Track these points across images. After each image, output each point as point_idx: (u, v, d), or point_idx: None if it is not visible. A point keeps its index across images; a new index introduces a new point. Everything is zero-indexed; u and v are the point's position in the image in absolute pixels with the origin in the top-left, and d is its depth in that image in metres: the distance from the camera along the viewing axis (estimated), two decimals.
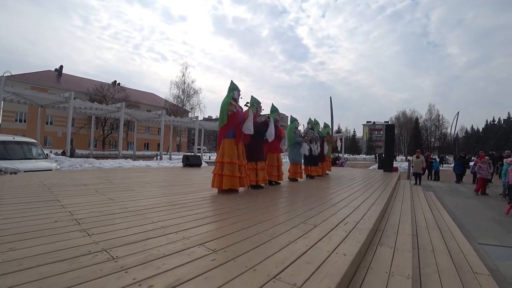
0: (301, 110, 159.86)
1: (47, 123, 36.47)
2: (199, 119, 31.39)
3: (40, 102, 18.88)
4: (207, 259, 1.74)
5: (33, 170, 7.25)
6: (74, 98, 17.20)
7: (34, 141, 9.30)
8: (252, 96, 5.68)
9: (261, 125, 5.45)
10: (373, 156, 50.02)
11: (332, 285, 1.52)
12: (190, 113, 45.14)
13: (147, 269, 1.55)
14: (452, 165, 16.09)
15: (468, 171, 14.41)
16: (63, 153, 17.95)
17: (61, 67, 43.24)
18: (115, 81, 46.58)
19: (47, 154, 10.02)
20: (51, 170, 7.91)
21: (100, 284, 1.37)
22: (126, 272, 1.51)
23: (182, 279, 1.45)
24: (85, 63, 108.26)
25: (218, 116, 4.87)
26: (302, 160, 7.59)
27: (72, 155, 18.88)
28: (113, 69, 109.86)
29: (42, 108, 19.78)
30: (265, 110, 6.15)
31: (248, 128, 4.77)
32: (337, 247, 2.14)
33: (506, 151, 11.51)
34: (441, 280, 2.46)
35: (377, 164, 22.51)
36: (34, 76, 37.19)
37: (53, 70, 43.07)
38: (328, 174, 9.58)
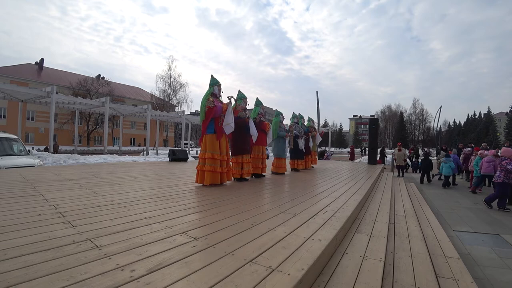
0: (287, 104, 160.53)
1: (28, 119, 35.26)
2: (186, 113, 31.07)
3: (20, 96, 18.22)
4: (188, 245, 1.83)
5: (15, 167, 7.10)
6: (57, 93, 16.73)
7: (15, 136, 9.05)
8: (239, 90, 5.72)
9: (242, 122, 5.38)
10: (359, 149, 50.71)
11: (305, 267, 1.63)
12: (176, 108, 44.60)
13: (130, 256, 1.63)
14: (435, 157, 16.72)
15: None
16: (46, 149, 17.50)
17: (42, 60, 41.65)
18: (99, 75, 45.48)
19: (29, 150, 9.79)
20: (34, 166, 7.76)
21: (84, 270, 1.44)
22: (110, 258, 1.58)
23: (163, 264, 1.54)
24: (64, 56, 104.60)
25: None
26: (288, 154, 7.70)
27: (55, 151, 18.44)
28: (94, 62, 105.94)
29: (22, 103, 19.14)
30: (250, 105, 6.21)
31: (228, 123, 4.70)
32: (314, 233, 2.26)
33: (482, 144, 12.00)
34: (413, 264, 2.60)
35: (365, 157, 22.85)
36: (13, 70, 35.75)
37: (33, 63, 41.55)
38: (313, 167, 9.76)
